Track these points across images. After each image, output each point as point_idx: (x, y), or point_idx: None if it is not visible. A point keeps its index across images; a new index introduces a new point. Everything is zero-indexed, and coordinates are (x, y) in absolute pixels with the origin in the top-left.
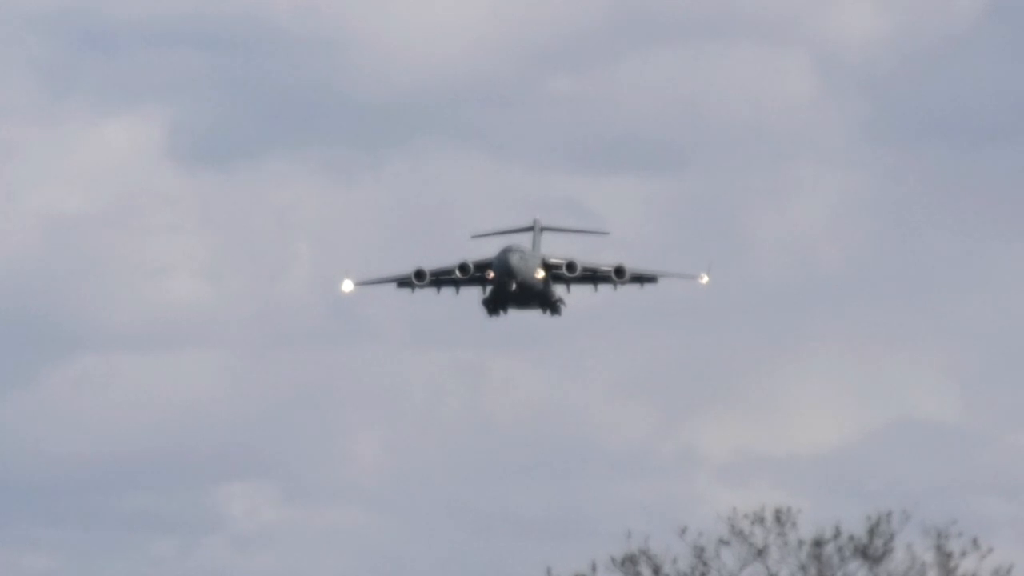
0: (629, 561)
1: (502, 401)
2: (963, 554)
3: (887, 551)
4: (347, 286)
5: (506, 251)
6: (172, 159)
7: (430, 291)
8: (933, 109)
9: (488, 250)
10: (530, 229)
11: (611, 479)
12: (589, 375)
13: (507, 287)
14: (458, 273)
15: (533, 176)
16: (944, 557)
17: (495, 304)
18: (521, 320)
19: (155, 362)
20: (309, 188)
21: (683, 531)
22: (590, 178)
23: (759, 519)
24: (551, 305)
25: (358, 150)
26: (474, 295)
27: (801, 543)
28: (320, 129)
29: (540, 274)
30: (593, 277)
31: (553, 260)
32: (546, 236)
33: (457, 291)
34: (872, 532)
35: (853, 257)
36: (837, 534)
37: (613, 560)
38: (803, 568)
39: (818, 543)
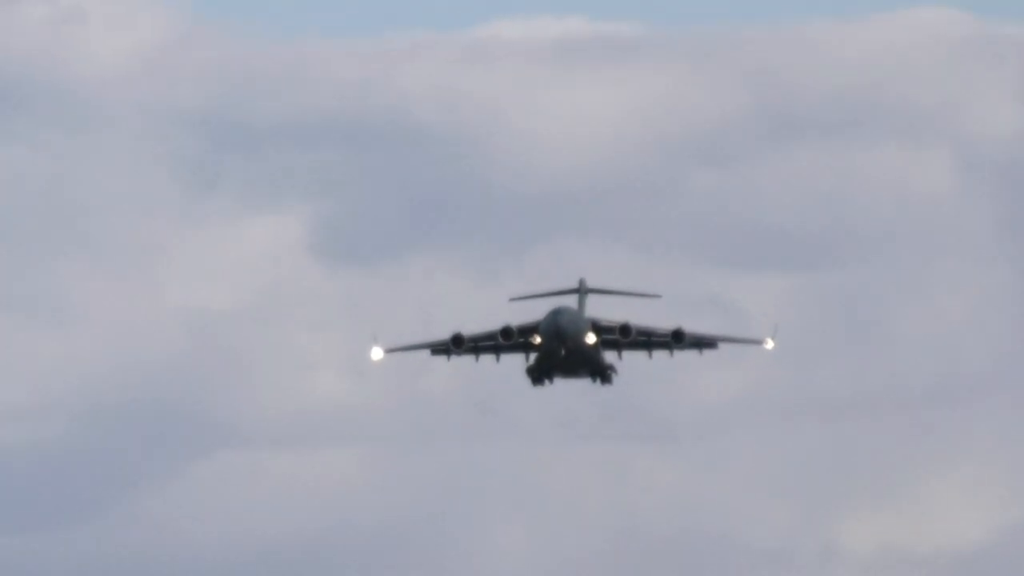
0: None
1: (636, 496)
2: None
3: None
4: (376, 354)
5: (555, 313)
6: (315, 256)
7: (468, 359)
8: None
9: (528, 314)
10: (576, 291)
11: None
12: (724, 467)
13: (555, 353)
14: (500, 338)
15: (676, 270)
16: None
17: (541, 372)
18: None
19: (299, 458)
20: (452, 284)
21: None
22: (734, 272)
23: None
24: (602, 372)
25: (501, 245)
26: (517, 363)
27: None
28: (463, 224)
29: (591, 338)
30: (648, 342)
31: (604, 323)
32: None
33: (498, 359)
34: None
35: (996, 352)
36: None
37: None
38: None
39: None
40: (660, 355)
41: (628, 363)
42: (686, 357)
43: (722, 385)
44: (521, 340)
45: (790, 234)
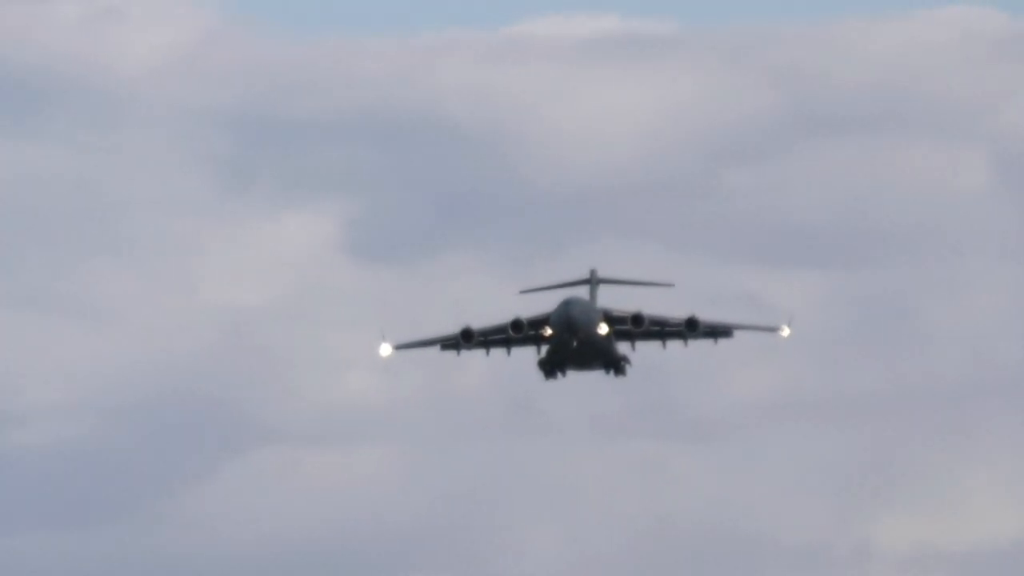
0: None
1: (669, 494)
2: None
3: None
4: (385, 350)
5: (565, 304)
6: (347, 253)
7: (478, 353)
8: None
9: (539, 307)
10: (587, 282)
11: (785, 574)
12: (743, 460)
13: (567, 344)
14: (511, 331)
15: (710, 269)
16: None
17: (553, 365)
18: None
19: (332, 457)
20: (486, 282)
21: None
22: (767, 271)
23: None
24: (615, 364)
25: (533, 243)
26: (529, 356)
27: None
28: (495, 222)
29: (603, 329)
30: (661, 332)
31: (617, 313)
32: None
33: (508, 352)
34: None
35: None
36: None
37: None
38: None
39: None
40: (675, 345)
41: (642, 354)
42: (702, 347)
43: (742, 377)
44: (532, 333)
45: (822, 232)
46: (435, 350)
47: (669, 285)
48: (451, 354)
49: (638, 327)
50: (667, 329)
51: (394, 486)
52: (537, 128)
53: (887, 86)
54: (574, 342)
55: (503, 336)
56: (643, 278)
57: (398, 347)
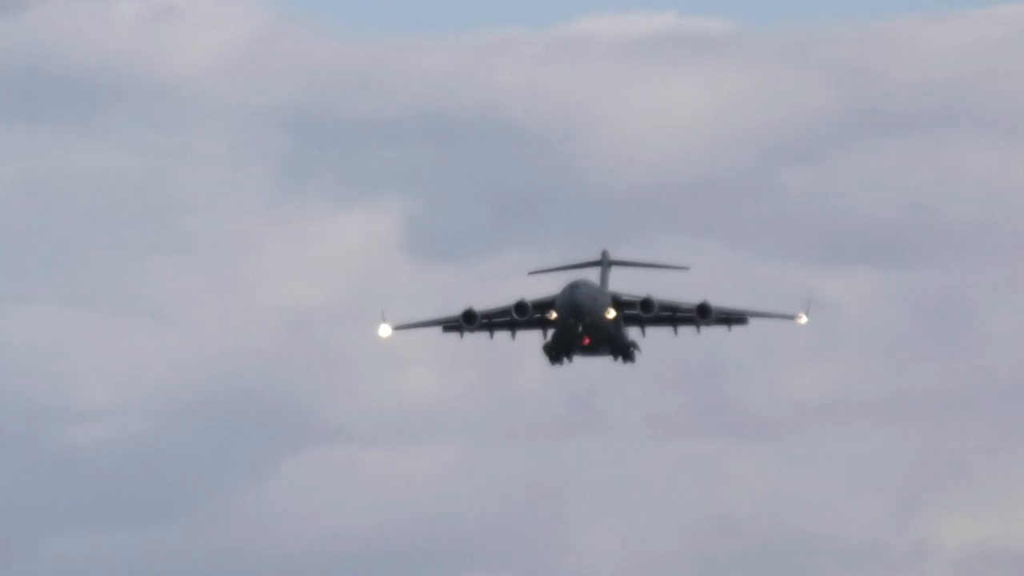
0: None
1: (727, 492)
2: None
3: None
4: (384, 330)
5: (572, 287)
6: (407, 252)
7: (482, 336)
8: None
9: (548, 288)
10: (598, 263)
11: (843, 573)
12: (815, 462)
13: (573, 329)
14: (515, 314)
15: (766, 267)
16: None
17: (558, 349)
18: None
19: (391, 455)
20: (544, 280)
21: None
22: (823, 269)
23: None
24: (623, 350)
25: (590, 241)
26: (534, 340)
27: None
28: (551, 220)
29: (611, 313)
30: (672, 317)
31: (626, 297)
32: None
33: (513, 335)
34: None
35: None
36: None
37: None
38: None
39: None
40: (687, 331)
41: (652, 340)
42: (718, 334)
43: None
44: (537, 316)
45: (880, 231)
46: (436, 332)
47: (684, 268)
48: (512, 350)
49: (647, 312)
50: (678, 315)
51: (449, 483)
52: (594, 126)
53: (943, 84)
54: (580, 327)
55: (507, 319)
56: (667, 265)
57: (398, 328)
